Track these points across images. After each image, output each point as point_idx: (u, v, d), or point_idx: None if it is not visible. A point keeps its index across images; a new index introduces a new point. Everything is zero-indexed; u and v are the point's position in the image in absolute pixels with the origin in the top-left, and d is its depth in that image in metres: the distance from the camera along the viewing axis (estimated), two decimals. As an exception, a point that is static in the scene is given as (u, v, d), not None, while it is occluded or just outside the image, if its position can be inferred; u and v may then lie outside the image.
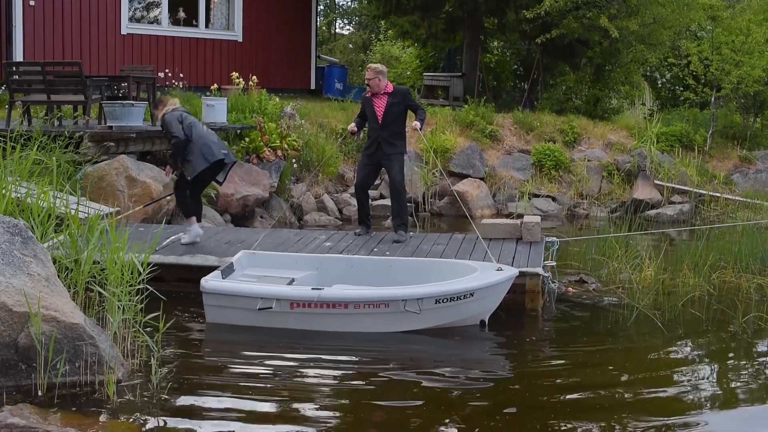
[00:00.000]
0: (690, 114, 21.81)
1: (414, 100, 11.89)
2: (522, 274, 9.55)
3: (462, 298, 8.70)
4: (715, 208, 18.07)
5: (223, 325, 8.78)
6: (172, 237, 10.87)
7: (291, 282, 9.19)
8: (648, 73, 25.65)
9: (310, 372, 7.76)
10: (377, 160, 11.37)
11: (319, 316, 8.63)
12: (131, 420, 6.36)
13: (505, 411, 6.98)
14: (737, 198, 18.21)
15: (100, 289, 7.65)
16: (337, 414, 6.86)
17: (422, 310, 8.58)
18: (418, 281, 9.10)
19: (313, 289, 8.70)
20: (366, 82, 11.45)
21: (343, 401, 7.17)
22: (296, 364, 7.94)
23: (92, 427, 6.15)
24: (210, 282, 8.77)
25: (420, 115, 11.40)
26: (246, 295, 8.69)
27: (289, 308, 8.62)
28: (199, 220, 10.89)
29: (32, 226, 8.24)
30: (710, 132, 20.28)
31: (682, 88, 23.49)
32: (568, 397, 7.32)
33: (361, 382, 7.55)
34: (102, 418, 6.34)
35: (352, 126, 11.64)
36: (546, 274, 9.91)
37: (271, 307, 8.57)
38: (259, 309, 8.58)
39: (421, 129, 11.45)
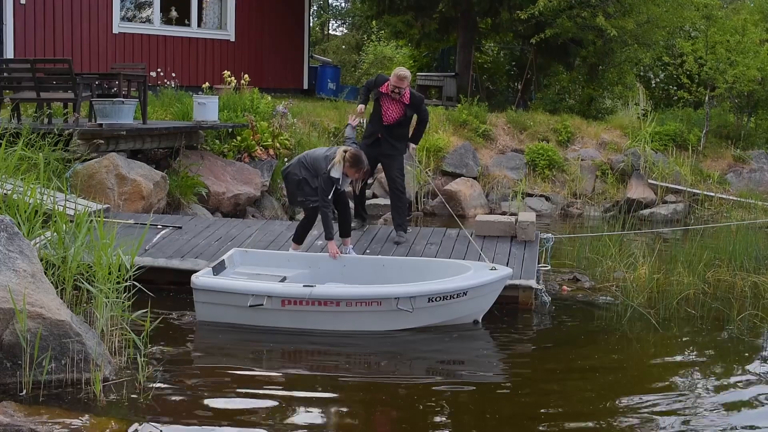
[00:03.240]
0: (684, 113, 21.74)
1: (425, 109, 11.45)
2: (514, 287, 9.47)
3: (455, 296, 8.61)
4: (710, 207, 18.01)
5: (212, 324, 8.66)
6: (163, 232, 10.78)
7: (283, 280, 9.08)
8: (642, 73, 25.61)
9: (301, 372, 7.67)
10: (375, 155, 11.20)
11: (311, 314, 8.53)
12: (118, 418, 6.25)
13: (498, 411, 6.90)
14: (731, 197, 18.15)
15: (88, 286, 7.55)
16: (328, 412, 6.78)
17: (415, 308, 8.48)
18: (411, 281, 8.99)
19: (305, 286, 8.59)
20: (394, 89, 10.91)
21: (333, 400, 7.08)
22: (286, 363, 7.86)
23: (78, 425, 6.05)
24: (201, 278, 8.66)
25: (420, 129, 11.44)
26: (237, 292, 8.57)
27: (281, 305, 8.51)
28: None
29: (18, 223, 8.13)
30: (704, 131, 20.22)
31: (675, 88, 23.46)
32: (562, 396, 7.25)
33: (352, 382, 7.46)
34: (88, 415, 6.24)
35: (361, 107, 11.31)
36: (539, 287, 9.81)
37: (262, 304, 8.46)
38: (250, 306, 8.47)
39: (416, 144, 11.58)
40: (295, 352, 8.16)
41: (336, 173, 9.61)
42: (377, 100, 11.18)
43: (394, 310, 8.51)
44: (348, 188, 10.40)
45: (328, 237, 9.64)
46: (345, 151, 9.67)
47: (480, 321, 9.00)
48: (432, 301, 8.57)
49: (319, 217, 9.92)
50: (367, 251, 10.58)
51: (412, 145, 11.40)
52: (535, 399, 7.17)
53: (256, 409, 6.66)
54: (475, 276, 8.86)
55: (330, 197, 9.68)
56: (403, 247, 10.80)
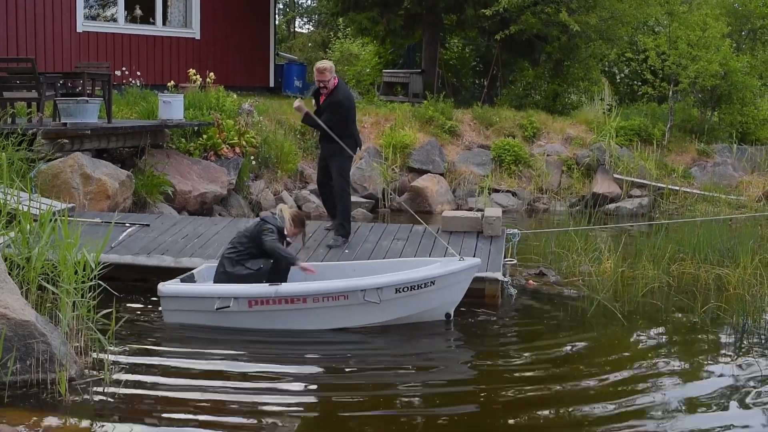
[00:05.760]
0: (648, 108, 21.95)
1: (340, 98, 10.73)
2: (481, 279, 9.50)
3: (423, 286, 8.61)
4: (674, 201, 18.16)
5: (180, 322, 8.63)
6: (129, 230, 10.73)
7: None
8: (606, 69, 25.79)
9: (270, 370, 7.61)
10: (324, 156, 11.16)
11: (279, 314, 8.51)
12: (83, 418, 6.23)
13: (466, 407, 6.94)
14: (696, 191, 18.31)
15: (51, 287, 7.51)
16: (297, 412, 6.77)
17: (383, 300, 8.49)
18: None
19: (270, 284, 8.57)
20: (322, 84, 10.67)
21: (301, 398, 7.08)
22: (255, 362, 7.82)
23: (43, 426, 6.02)
24: (167, 286, 8.63)
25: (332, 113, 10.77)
26: (203, 296, 8.55)
27: (248, 306, 8.48)
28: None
29: (-19, 223, 8.08)
30: (668, 126, 20.41)
31: (640, 83, 23.64)
32: (529, 390, 7.28)
33: (321, 380, 7.49)
34: (54, 416, 6.20)
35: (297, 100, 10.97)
36: (505, 280, 9.85)
37: (228, 306, 8.44)
38: (217, 309, 8.44)
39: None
40: (265, 351, 8.13)
41: (287, 228, 9.19)
42: (316, 100, 11.00)
43: (362, 303, 8.51)
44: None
45: (293, 263, 8.90)
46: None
47: (452, 314, 8.99)
48: (399, 291, 8.57)
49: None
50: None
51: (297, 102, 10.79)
52: (504, 394, 7.19)
53: (223, 409, 6.64)
54: (442, 266, 8.88)
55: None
56: (369, 243, 10.80)
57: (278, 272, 8.90)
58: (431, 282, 8.66)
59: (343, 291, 8.51)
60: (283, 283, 8.61)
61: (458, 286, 8.97)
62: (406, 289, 8.58)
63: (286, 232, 9.14)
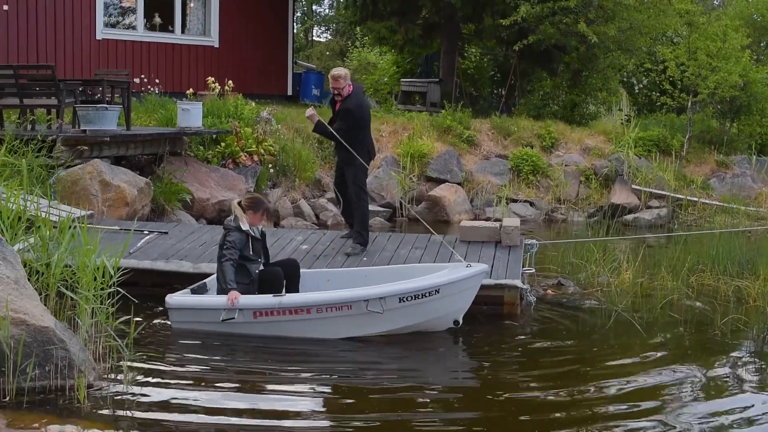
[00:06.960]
0: (667, 119, 21.88)
1: (350, 106, 10.64)
2: (500, 287, 9.47)
3: (427, 295, 8.53)
4: (693, 212, 18.09)
5: (195, 329, 8.64)
6: (148, 237, 10.75)
7: None
8: (625, 79, 25.72)
9: (282, 377, 7.65)
10: (340, 164, 11.14)
11: (284, 324, 8.50)
12: (102, 424, 6.22)
13: (479, 415, 6.91)
14: (714, 203, 18.23)
15: (69, 293, 7.52)
16: (311, 415, 6.76)
17: (386, 310, 8.44)
18: None
19: (274, 296, 8.56)
20: (337, 92, 10.66)
21: (317, 405, 7.08)
22: (267, 369, 7.80)
23: (62, 432, 6.03)
24: (174, 297, 8.65)
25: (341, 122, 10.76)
26: (209, 308, 8.55)
27: (253, 317, 8.48)
28: None
29: (1, 229, 8.10)
30: (687, 137, 20.33)
31: (658, 94, 23.58)
32: (544, 401, 7.25)
33: (328, 389, 7.50)
34: (72, 422, 6.19)
35: (310, 109, 11.03)
36: (525, 287, 9.81)
37: (234, 318, 8.44)
38: (223, 320, 8.44)
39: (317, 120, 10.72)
40: (280, 358, 8.11)
41: (245, 225, 8.74)
42: (333, 108, 10.99)
43: (366, 312, 8.46)
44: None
45: (231, 287, 8.49)
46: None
47: (460, 321, 8.88)
48: (403, 301, 8.51)
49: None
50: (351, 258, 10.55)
51: (310, 111, 10.88)
52: (520, 402, 7.17)
53: (241, 415, 6.63)
54: (447, 274, 8.82)
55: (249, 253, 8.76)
56: (387, 251, 10.79)
57: (271, 281, 8.83)
58: (435, 290, 8.57)
59: (346, 301, 8.47)
60: (286, 294, 8.61)
61: (465, 293, 8.86)
62: (410, 299, 8.51)
63: (248, 228, 8.72)
